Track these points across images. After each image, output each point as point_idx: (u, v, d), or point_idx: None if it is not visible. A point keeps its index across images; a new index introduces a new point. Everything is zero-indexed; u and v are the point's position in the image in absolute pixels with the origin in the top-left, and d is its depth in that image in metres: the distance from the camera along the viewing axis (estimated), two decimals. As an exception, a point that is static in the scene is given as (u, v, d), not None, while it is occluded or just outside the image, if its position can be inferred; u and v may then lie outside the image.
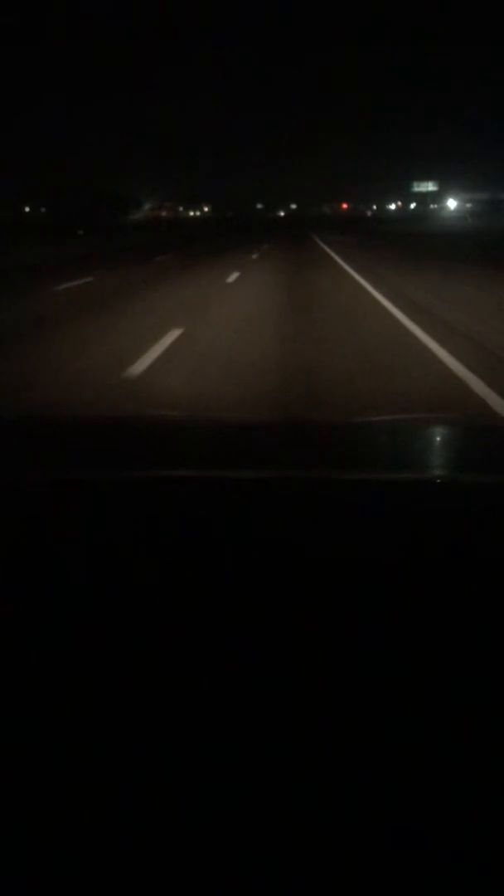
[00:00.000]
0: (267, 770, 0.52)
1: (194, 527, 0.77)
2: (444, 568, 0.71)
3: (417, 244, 27.77)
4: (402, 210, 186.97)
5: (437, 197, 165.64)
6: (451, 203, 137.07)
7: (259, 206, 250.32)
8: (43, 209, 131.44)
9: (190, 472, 0.94)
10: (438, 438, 1.34)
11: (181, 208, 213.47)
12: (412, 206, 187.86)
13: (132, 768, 0.52)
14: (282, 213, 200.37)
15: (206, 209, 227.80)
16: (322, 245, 27.60)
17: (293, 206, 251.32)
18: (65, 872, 0.46)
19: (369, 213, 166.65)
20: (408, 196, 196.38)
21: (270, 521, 0.78)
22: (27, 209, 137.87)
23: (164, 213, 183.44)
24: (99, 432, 1.37)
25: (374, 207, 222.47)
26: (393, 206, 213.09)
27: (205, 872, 0.46)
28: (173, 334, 7.71)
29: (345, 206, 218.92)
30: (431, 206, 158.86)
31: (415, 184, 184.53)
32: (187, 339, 7.55)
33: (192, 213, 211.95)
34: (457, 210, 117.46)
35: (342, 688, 0.58)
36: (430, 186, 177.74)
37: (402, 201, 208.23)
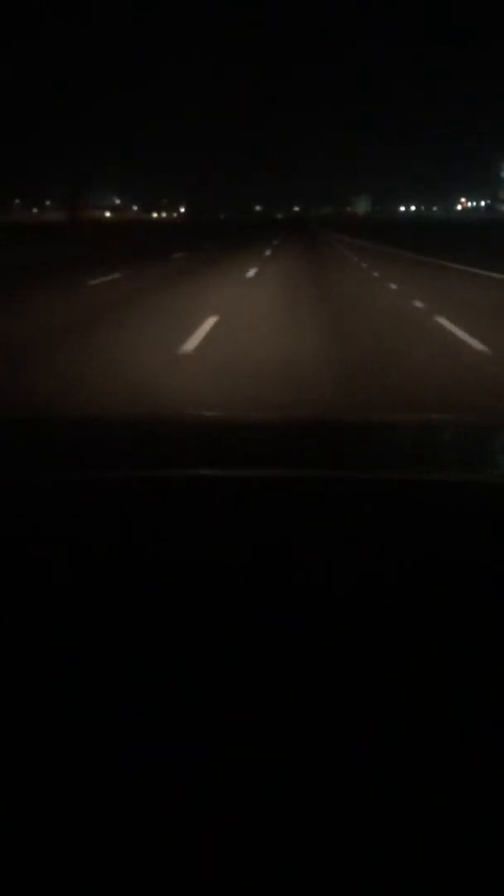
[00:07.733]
0: (267, 772, 0.51)
1: (197, 526, 0.77)
2: (448, 568, 0.71)
3: None
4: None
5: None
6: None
7: (258, 207, 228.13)
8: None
9: (192, 471, 0.95)
10: (441, 437, 1.34)
11: (135, 208, 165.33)
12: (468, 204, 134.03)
13: (131, 769, 0.52)
14: (280, 216, 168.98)
15: (181, 209, 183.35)
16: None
17: (296, 209, 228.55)
18: (64, 871, 0.46)
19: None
20: (490, 189, 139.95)
21: (273, 520, 0.78)
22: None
23: (108, 215, 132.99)
24: (99, 432, 1.36)
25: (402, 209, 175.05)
26: (435, 208, 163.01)
27: (204, 873, 0.46)
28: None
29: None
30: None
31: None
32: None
33: (156, 215, 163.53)
34: None
35: (344, 689, 0.58)
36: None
37: (465, 198, 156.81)
